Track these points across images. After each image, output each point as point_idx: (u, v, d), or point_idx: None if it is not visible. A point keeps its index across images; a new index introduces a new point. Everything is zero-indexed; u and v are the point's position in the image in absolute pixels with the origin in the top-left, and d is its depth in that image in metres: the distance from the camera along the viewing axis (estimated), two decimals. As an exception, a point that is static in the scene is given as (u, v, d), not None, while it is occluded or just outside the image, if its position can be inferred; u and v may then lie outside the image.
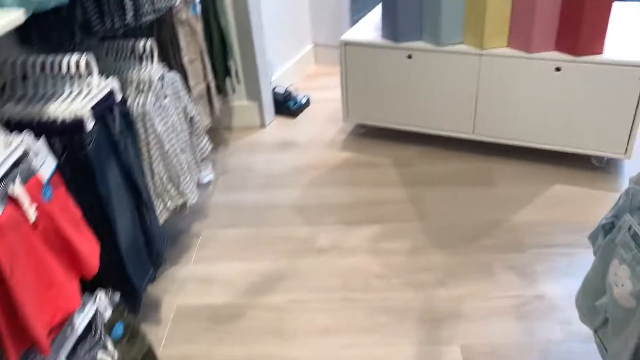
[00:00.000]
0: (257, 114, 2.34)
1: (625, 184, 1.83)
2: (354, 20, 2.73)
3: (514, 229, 1.69)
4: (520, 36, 1.79)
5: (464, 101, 1.94)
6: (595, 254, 1.03)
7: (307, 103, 2.49)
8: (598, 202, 1.77)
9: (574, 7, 1.69)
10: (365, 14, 2.30)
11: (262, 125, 2.36)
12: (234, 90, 2.08)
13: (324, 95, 2.56)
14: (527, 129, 1.89)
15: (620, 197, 0.96)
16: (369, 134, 2.23)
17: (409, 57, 1.95)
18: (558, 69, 1.77)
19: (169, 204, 1.46)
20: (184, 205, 1.51)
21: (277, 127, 2.38)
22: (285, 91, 2.45)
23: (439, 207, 1.81)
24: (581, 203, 1.77)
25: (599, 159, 1.89)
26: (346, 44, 2.03)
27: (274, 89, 2.42)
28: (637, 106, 1.71)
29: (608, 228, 0.97)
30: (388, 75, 2.01)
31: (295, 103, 2.44)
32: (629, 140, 1.77)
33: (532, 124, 1.88)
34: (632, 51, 1.73)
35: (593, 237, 1.03)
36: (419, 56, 1.93)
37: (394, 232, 1.72)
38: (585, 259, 1.56)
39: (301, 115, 2.45)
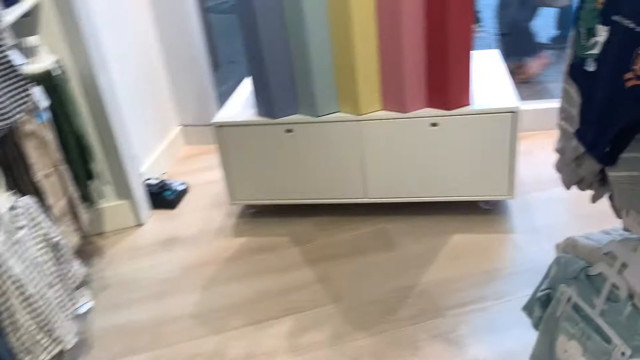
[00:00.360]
0: (131, 212, 2.10)
1: (514, 224, 1.90)
2: (220, 93, 2.63)
3: (426, 292, 1.64)
4: (393, 98, 1.81)
5: (351, 167, 1.90)
6: (535, 326, 0.98)
7: (186, 190, 2.30)
8: (495, 246, 1.80)
9: (437, 65, 1.75)
10: (230, 85, 2.20)
11: (139, 224, 2.12)
12: (101, 196, 1.84)
13: (203, 177, 2.39)
14: (415, 184, 1.90)
15: (550, 267, 0.93)
16: (260, 214, 2.10)
17: (289, 131, 1.88)
18: (434, 124, 1.80)
19: (42, 358, 1.19)
20: (60, 353, 1.25)
21: (157, 223, 2.15)
22: (159, 181, 2.24)
23: (348, 282, 1.72)
24: (480, 250, 1.79)
25: (486, 202, 1.95)
26: (220, 126, 1.91)
27: (145, 181, 2.21)
28: (511, 149, 1.79)
29: (544, 299, 0.94)
30: (270, 152, 1.92)
31: (172, 192, 2.23)
32: (510, 181, 1.84)
33: (418, 179, 1.89)
34: (497, 98, 1.82)
35: (528, 309, 0.99)
36: (299, 129, 1.87)
37: (310, 321, 1.59)
38: (501, 310, 1.56)
39: (181, 205, 2.25)
